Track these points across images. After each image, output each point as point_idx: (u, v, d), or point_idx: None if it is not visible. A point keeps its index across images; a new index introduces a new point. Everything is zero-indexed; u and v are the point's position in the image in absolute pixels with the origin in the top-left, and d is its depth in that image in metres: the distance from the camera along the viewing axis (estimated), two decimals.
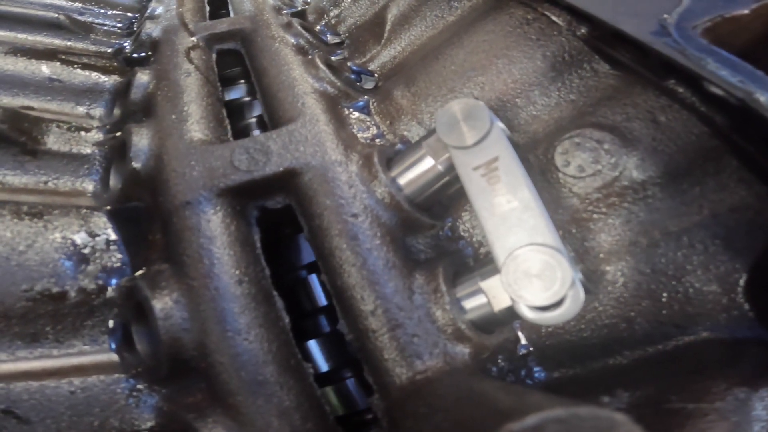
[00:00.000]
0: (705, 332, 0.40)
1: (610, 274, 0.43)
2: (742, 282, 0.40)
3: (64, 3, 0.82)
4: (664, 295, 0.41)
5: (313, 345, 0.48)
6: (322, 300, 0.51)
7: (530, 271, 0.36)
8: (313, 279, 0.52)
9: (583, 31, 0.49)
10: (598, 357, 0.43)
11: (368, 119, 0.56)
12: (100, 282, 0.45)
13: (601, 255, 0.43)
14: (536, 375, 0.45)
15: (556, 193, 0.45)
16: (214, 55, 0.63)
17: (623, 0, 0.45)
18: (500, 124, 0.41)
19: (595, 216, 0.44)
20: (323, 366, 0.47)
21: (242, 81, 0.68)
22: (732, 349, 0.39)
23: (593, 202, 0.44)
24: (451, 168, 0.43)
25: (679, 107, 0.42)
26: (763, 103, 0.33)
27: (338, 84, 0.57)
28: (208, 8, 0.77)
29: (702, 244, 0.41)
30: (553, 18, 0.52)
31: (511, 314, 0.38)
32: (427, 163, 0.44)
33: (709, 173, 0.40)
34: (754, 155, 0.38)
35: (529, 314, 0.37)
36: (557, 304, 0.36)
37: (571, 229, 0.44)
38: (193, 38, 0.63)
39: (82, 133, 0.57)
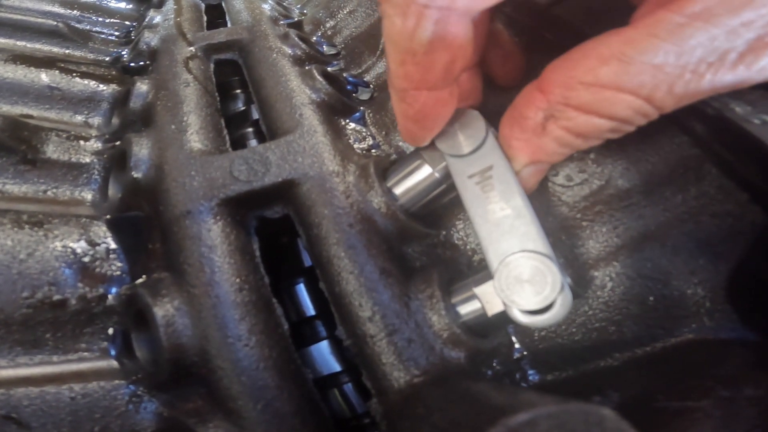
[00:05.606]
0: (690, 334, 0.42)
1: (599, 279, 0.44)
2: (724, 285, 0.41)
3: (62, 11, 0.83)
4: (651, 298, 0.43)
5: (311, 350, 0.49)
6: (310, 310, 0.51)
7: (522, 277, 0.38)
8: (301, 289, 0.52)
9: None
10: (589, 359, 0.44)
11: (364, 130, 0.57)
12: (101, 290, 0.46)
13: (590, 261, 0.45)
14: (530, 378, 0.46)
15: (546, 201, 0.47)
16: (212, 65, 0.64)
17: None
18: (495, 133, 0.43)
19: (583, 223, 0.45)
20: (322, 371, 0.48)
21: (239, 90, 0.69)
22: (717, 349, 0.41)
23: (581, 210, 0.46)
24: (447, 176, 0.44)
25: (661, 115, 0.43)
26: (739, 113, 0.35)
27: (335, 95, 0.58)
28: (205, 18, 0.78)
29: (685, 249, 0.42)
30: None
31: (504, 319, 0.39)
32: (425, 171, 0.45)
33: (690, 181, 0.41)
34: (732, 164, 0.39)
35: (521, 318, 0.38)
36: (547, 308, 0.37)
37: (561, 236, 0.46)
38: (192, 48, 0.64)
39: (81, 142, 0.57)
